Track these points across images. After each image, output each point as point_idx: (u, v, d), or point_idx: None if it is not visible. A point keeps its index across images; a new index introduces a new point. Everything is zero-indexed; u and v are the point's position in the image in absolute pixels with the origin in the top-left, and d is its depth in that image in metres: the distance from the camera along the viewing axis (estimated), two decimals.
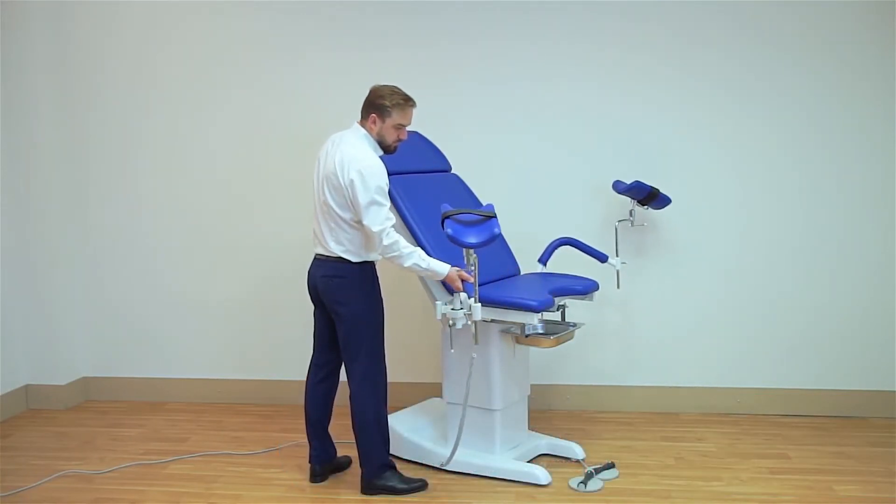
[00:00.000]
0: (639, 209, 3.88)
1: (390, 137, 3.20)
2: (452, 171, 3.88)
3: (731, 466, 3.51)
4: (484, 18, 4.12)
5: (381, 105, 3.15)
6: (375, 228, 3.05)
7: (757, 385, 4.15)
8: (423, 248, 3.34)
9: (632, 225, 3.85)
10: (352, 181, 3.05)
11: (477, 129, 4.17)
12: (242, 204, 4.40)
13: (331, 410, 3.44)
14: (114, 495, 3.34)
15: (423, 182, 3.58)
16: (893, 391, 4.06)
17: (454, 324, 3.26)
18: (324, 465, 3.45)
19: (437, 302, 3.32)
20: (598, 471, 3.38)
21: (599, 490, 3.28)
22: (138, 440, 3.98)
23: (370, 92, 3.21)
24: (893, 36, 3.89)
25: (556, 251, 3.71)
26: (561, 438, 3.66)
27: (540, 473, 3.33)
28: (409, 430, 3.64)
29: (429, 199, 3.51)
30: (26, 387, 4.49)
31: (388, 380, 4.32)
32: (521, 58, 4.12)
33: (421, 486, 3.30)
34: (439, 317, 3.30)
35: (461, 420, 3.28)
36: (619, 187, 3.86)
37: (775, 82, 4.00)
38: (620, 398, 4.23)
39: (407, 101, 3.19)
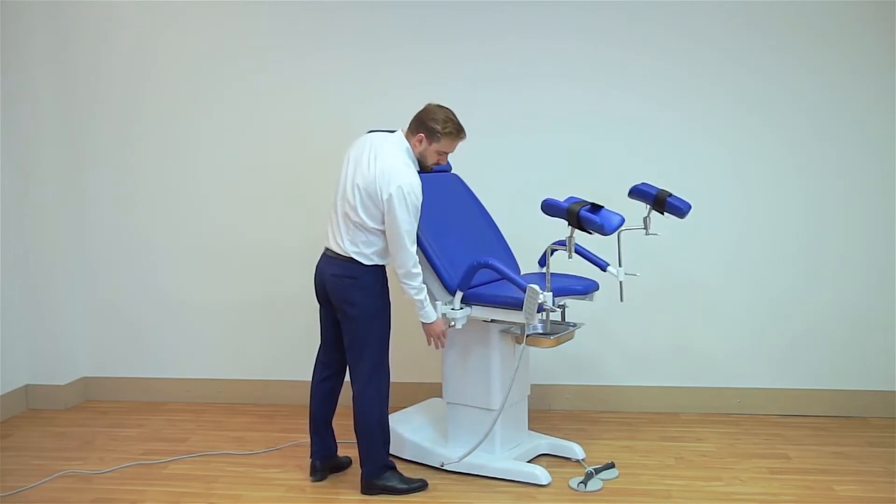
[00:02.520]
0: (655, 215, 3.49)
1: (431, 160, 3.21)
2: (452, 171, 3.88)
3: (731, 466, 3.51)
4: (484, 18, 4.12)
5: (432, 129, 3.14)
6: (402, 270, 3.10)
7: (757, 385, 4.15)
8: (421, 247, 3.34)
9: (646, 234, 3.48)
10: (390, 196, 3.03)
11: (477, 129, 4.15)
12: (244, 205, 4.40)
13: (334, 408, 3.44)
14: (114, 495, 3.34)
15: (422, 182, 3.57)
16: (893, 391, 4.06)
17: (454, 324, 3.27)
18: (324, 461, 3.45)
19: (437, 302, 3.32)
20: (598, 471, 3.38)
21: (599, 490, 3.28)
22: (138, 440, 3.97)
23: (425, 110, 3.18)
24: (893, 36, 3.89)
25: (555, 253, 3.70)
26: (561, 438, 3.66)
27: (540, 473, 3.33)
28: (409, 430, 3.64)
29: (429, 199, 3.50)
30: (26, 387, 4.49)
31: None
32: (522, 57, 4.12)
33: (421, 486, 3.30)
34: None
35: (495, 417, 3.30)
36: (630, 191, 3.54)
37: (775, 82, 4.00)
38: (620, 398, 4.23)
39: (459, 133, 3.18)
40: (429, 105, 3.21)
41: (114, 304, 4.56)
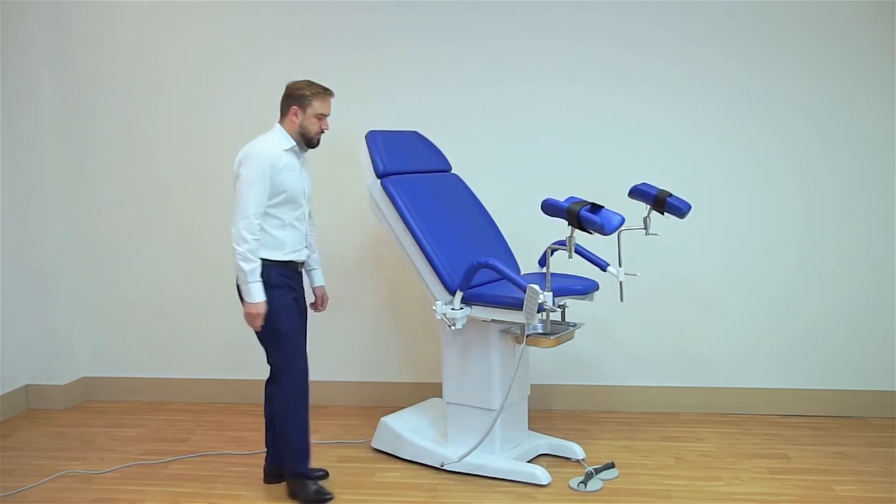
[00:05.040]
0: (655, 215, 3.49)
1: (313, 128, 3.19)
2: (452, 171, 3.88)
3: (731, 466, 3.51)
4: (484, 18, 4.12)
5: (301, 96, 3.15)
6: (233, 231, 3.04)
7: (757, 385, 4.15)
8: (422, 247, 3.35)
9: (646, 234, 3.48)
10: (238, 162, 3.09)
11: (477, 129, 4.17)
12: None
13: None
14: (114, 495, 3.34)
15: (423, 182, 3.58)
16: (893, 391, 4.06)
17: (454, 324, 3.27)
18: (272, 464, 3.39)
19: (438, 302, 3.33)
20: (598, 471, 3.38)
21: (599, 490, 3.28)
22: (138, 440, 3.97)
23: (286, 88, 3.21)
24: (893, 36, 3.89)
25: (555, 253, 3.71)
26: (561, 438, 3.66)
27: (540, 473, 3.33)
28: (409, 430, 3.64)
29: (429, 199, 3.51)
30: (26, 387, 4.49)
31: (389, 379, 4.32)
32: (522, 58, 4.12)
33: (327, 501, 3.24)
34: (439, 317, 3.30)
35: (495, 417, 3.30)
36: (630, 191, 3.55)
37: (776, 82, 4.00)
38: (620, 398, 4.23)
39: (326, 90, 3.20)
40: (288, 83, 3.22)
41: (114, 304, 4.56)
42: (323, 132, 3.24)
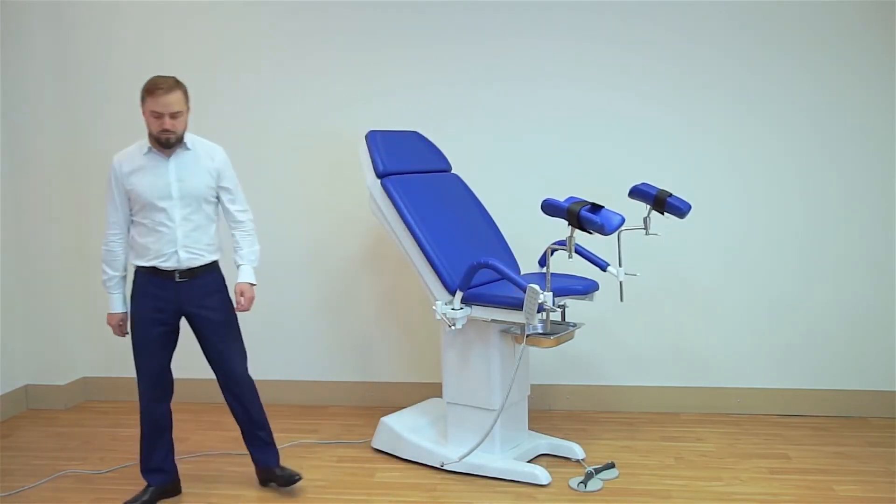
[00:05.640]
0: (655, 215, 3.51)
1: (153, 127, 3.02)
2: (452, 171, 3.88)
3: (731, 466, 3.51)
4: (484, 18, 4.12)
5: (141, 95, 3.03)
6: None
7: (757, 385, 4.15)
8: (422, 247, 3.35)
9: (646, 234, 3.50)
10: None
11: (477, 129, 4.17)
12: None
13: (237, 418, 3.33)
14: (114, 495, 3.34)
15: (423, 182, 3.58)
16: (893, 391, 4.06)
17: (454, 324, 3.27)
18: (258, 469, 3.40)
19: (438, 302, 3.33)
20: (598, 471, 3.38)
21: (599, 490, 3.28)
22: (138, 440, 3.96)
23: None
24: (893, 36, 3.89)
25: (555, 253, 3.71)
26: (561, 438, 3.66)
27: (540, 473, 3.33)
28: (409, 430, 3.64)
29: (429, 199, 3.51)
30: (26, 387, 4.49)
31: (389, 379, 4.30)
32: (523, 57, 4.12)
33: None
34: (439, 317, 3.31)
35: (495, 417, 3.29)
36: (630, 191, 3.55)
37: (776, 82, 4.00)
38: (620, 398, 4.23)
39: (156, 86, 2.97)
40: None
41: None
42: (169, 131, 3.01)
